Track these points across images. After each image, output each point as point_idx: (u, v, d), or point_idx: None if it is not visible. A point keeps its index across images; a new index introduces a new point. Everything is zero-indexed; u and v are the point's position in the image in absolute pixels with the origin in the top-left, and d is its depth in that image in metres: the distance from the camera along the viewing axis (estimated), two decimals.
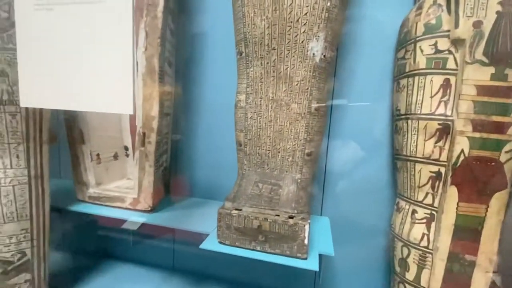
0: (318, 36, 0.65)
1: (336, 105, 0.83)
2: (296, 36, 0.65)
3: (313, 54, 0.66)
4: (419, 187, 0.73)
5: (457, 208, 0.68)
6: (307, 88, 0.69)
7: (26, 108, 0.72)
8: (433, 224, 0.72)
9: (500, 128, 0.64)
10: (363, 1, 0.80)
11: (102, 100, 0.42)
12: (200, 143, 1.00)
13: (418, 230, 0.73)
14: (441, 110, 0.68)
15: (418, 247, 0.73)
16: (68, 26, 0.42)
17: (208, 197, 1.01)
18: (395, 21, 0.79)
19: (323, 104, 0.71)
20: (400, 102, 0.76)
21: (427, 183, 0.72)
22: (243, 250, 0.66)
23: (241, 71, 0.74)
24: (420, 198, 0.73)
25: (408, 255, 0.75)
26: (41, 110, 0.75)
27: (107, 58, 0.41)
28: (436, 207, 0.71)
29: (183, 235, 0.87)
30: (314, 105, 0.70)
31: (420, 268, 0.72)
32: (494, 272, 0.67)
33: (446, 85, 0.68)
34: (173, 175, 1.02)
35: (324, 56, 0.67)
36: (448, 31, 0.66)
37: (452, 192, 0.68)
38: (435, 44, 0.68)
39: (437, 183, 0.71)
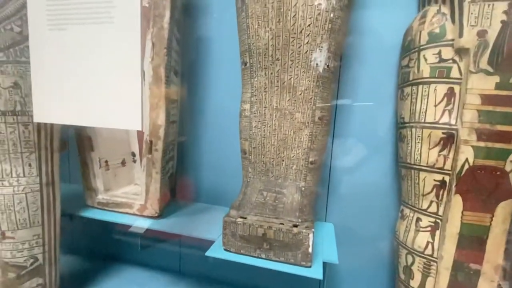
0: (322, 47, 0.66)
1: (340, 112, 0.83)
2: (299, 47, 0.66)
3: (317, 64, 0.67)
4: (423, 195, 0.73)
5: (461, 217, 0.68)
6: (311, 98, 0.70)
7: None
8: (437, 232, 0.72)
9: (505, 137, 0.64)
10: (367, 9, 0.81)
11: (112, 117, 0.44)
12: (205, 149, 1.02)
13: (422, 238, 0.73)
14: (445, 119, 0.68)
15: (423, 255, 0.73)
16: (80, 45, 0.44)
17: (213, 202, 1.03)
18: (399, 29, 0.79)
19: (327, 113, 0.72)
20: (404, 110, 0.76)
21: (431, 191, 0.72)
22: (248, 258, 0.67)
23: (245, 80, 0.75)
24: (424, 206, 0.73)
25: (413, 263, 0.75)
26: None
27: (116, 76, 0.42)
28: (440, 216, 0.71)
29: (189, 239, 0.88)
30: (318, 114, 0.70)
31: (425, 276, 0.73)
32: (502, 281, 0.67)
33: (450, 94, 0.68)
34: (179, 180, 1.04)
35: (328, 66, 0.68)
36: (452, 40, 0.66)
37: (457, 201, 0.68)
38: (439, 53, 0.68)
39: (441, 191, 0.71)
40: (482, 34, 0.63)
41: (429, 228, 0.73)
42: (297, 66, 0.68)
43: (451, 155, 0.69)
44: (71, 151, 0.97)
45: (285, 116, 0.72)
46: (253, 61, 0.71)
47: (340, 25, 0.66)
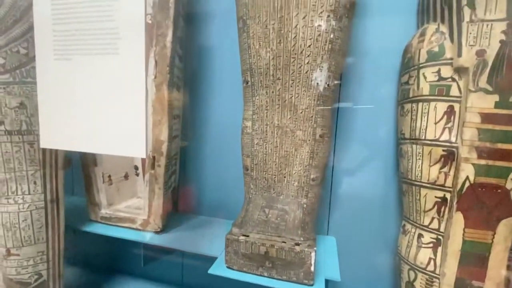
0: (322, 67, 0.67)
1: (340, 128, 0.84)
2: (300, 67, 0.67)
3: (317, 83, 0.68)
4: (424, 211, 0.73)
5: (463, 234, 0.68)
6: (312, 116, 0.70)
7: None
8: (439, 249, 0.72)
9: (505, 155, 0.64)
10: (366, 25, 0.82)
11: (117, 144, 0.45)
12: (207, 163, 1.03)
13: (424, 255, 0.73)
14: (445, 136, 0.69)
15: (425, 271, 0.73)
16: (85, 74, 0.45)
17: (215, 215, 1.03)
18: (399, 45, 0.80)
19: (327, 131, 0.73)
20: (405, 126, 0.76)
21: (432, 208, 0.72)
22: (250, 276, 0.68)
23: (247, 98, 0.76)
24: (426, 223, 0.74)
25: (415, 279, 0.75)
26: None
27: (121, 105, 0.43)
28: (442, 232, 0.71)
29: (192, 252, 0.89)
30: (319, 132, 0.71)
31: None
32: None
33: (450, 112, 0.68)
34: (181, 193, 1.05)
35: (328, 85, 0.69)
36: (451, 59, 0.67)
37: (458, 218, 0.68)
38: (438, 72, 0.69)
39: (442, 208, 0.71)
40: (481, 53, 0.64)
41: (431, 245, 0.73)
42: (298, 85, 0.69)
43: (452, 173, 0.69)
44: (75, 165, 0.98)
45: (286, 133, 0.73)
46: (254, 80, 0.72)
47: (340, 45, 0.67)
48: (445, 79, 0.68)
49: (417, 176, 0.74)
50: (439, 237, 0.72)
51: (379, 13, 0.82)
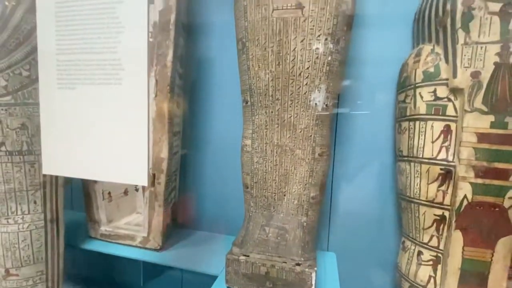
0: (320, 88, 0.68)
1: (339, 146, 0.85)
2: (298, 88, 0.68)
3: (316, 104, 0.69)
4: (424, 229, 0.74)
5: (462, 252, 0.69)
6: (310, 135, 0.71)
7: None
8: (439, 266, 0.72)
9: (502, 174, 0.65)
10: (363, 44, 0.83)
11: (119, 172, 0.45)
12: (207, 178, 1.03)
13: (424, 272, 0.74)
14: (442, 155, 0.70)
15: None
16: (88, 103, 0.45)
17: (215, 231, 1.03)
18: (394, 63, 0.81)
19: (326, 149, 0.73)
20: (402, 144, 0.77)
21: (431, 225, 0.73)
22: None
23: (246, 117, 0.77)
24: (425, 240, 0.74)
25: None
26: None
27: (124, 134, 0.44)
28: (441, 250, 0.72)
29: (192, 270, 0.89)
30: (318, 150, 0.72)
31: None
32: None
33: (446, 131, 0.69)
34: (181, 208, 1.05)
35: (326, 105, 0.70)
36: (447, 79, 0.68)
37: (457, 237, 0.69)
38: (434, 91, 0.70)
39: (441, 226, 0.71)
40: (475, 75, 0.65)
41: (430, 262, 0.73)
42: (296, 106, 0.70)
43: (449, 191, 0.70)
44: (74, 179, 0.98)
45: (285, 152, 0.74)
46: (254, 100, 0.73)
47: (337, 67, 0.68)
48: (441, 99, 0.69)
49: (415, 194, 0.74)
50: (439, 255, 0.72)
51: (376, 25, 0.83)
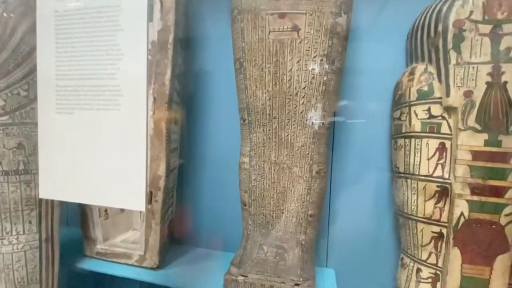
0: (316, 107, 0.69)
1: (336, 162, 0.86)
2: (295, 107, 0.69)
3: (312, 122, 0.70)
4: (422, 246, 0.74)
5: (461, 270, 0.69)
6: (308, 153, 0.72)
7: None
8: (438, 284, 0.72)
9: (498, 192, 0.66)
10: (358, 61, 0.85)
11: (116, 197, 0.45)
12: (204, 194, 1.03)
13: None
14: (438, 172, 0.70)
15: None
16: (87, 128, 0.46)
17: (212, 247, 1.02)
18: (389, 81, 0.83)
19: (323, 167, 0.74)
20: (399, 160, 0.78)
21: (429, 242, 0.73)
22: None
23: (244, 135, 0.78)
24: (424, 257, 0.74)
25: None
26: None
27: (122, 159, 0.44)
28: (440, 267, 0.71)
29: None
30: (315, 168, 0.72)
31: None
32: None
33: (442, 148, 0.70)
34: (178, 224, 1.04)
35: (323, 123, 0.70)
36: (440, 98, 0.69)
37: (455, 254, 0.69)
38: (429, 110, 0.71)
39: (439, 243, 0.71)
40: (468, 94, 0.66)
41: (430, 280, 0.73)
42: (293, 124, 0.71)
43: (446, 208, 0.70)
44: None
45: (283, 169, 0.74)
46: (251, 119, 0.74)
47: (333, 86, 0.69)
48: (435, 117, 0.71)
49: (413, 211, 0.75)
50: (438, 272, 0.72)
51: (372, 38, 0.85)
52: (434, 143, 0.71)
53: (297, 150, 0.72)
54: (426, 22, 0.73)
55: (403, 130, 0.76)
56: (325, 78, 0.67)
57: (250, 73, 0.71)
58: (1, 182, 0.72)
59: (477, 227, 0.67)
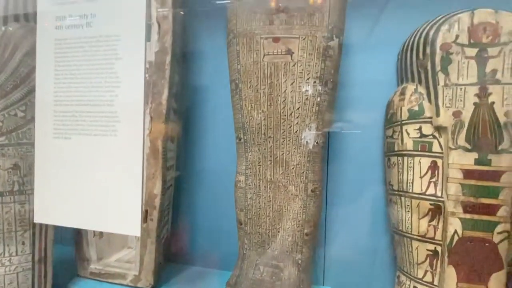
0: (311, 127, 0.70)
1: (331, 180, 0.87)
2: (290, 127, 0.71)
3: (307, 142, 0.71)
4: (417, 264, 0.74)
5: None
6: (303, 172, 0.73)
7: (34, 196, 0.75)
8: None
9: (490, 210, 0.67)
10: (351, 81, 0.87)
11: (111, 222, 0.45)
12: (200, 212, 1.03)
13: None
14: (431, 190, 0.71)
15: None
16: (83, 153, 0.46)
17: (208, 266, 1.01)
18: (381, 99, 0.85)
19: (318, 185, 0.75)
20: (392, 178, 0.79)
21: (425, 260, 0.73)
22: None
23: (240, 154, 0.79)
24: (420, 275, 0.74)
25: None
26: None
27: (118, 184, 0.44)
28: (436, 286, 0.71)
29: None
30: (310, 187, 0.73)
31: None
32: None
33: (433, 167, 0.71)
34: (173, 242, 1.03)
35: (317, 142, 0.72)
36: (431, 117, 0.71)
37: (450, 272, 0.69)
38: (420, 129, 0.73)
39: (435, 261, 0.72)
40: (457, 114, 0.68)
41: None
42: (288, 143, 0.72)
43: (440, 226, 0.71)
44: None
45: (279, 188, 0.75)
46: (247, 138, 0.75)
47: (326, 107, 0.71)
48: (426, 136, 0.72)
49: (407, 228, 0.75)
50: None
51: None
52: (426, 162, 0.72)
53: (292, 168, 0.73)
54: (415, 45, 0.75)
55: (396, 148, 0.78)
56: (318, 99, 0.69)
57: (246, 94, 0.72)
58: None
59: (471, 245, 0.68)
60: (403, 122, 0.76)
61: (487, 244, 0.67)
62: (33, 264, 0.77)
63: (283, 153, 0.73)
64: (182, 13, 0.88)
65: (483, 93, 0.67)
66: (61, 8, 0.45)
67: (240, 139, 0.77)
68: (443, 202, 0.70)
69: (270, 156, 0.74)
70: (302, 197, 0.73)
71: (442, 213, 0.70)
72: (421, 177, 0.73)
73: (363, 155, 0.88)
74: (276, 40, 0.67)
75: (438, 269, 0.71)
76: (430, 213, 0.71)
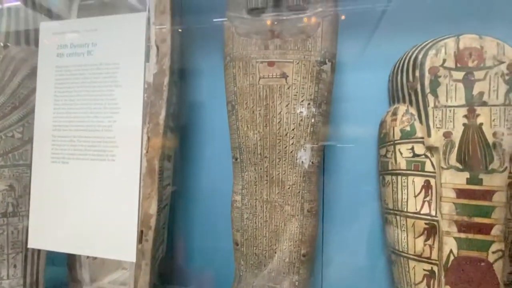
0: (306, 147, 0.71)
1: (327, 199, 0.87)
2: (285, 147, 0.72)
3: (302, 162, 0.72)
4: (415, 284, 0.74)
5: None
6: (299, 192, 0.73)
7: (28, 217, 0.74)
8: None
9: (483, 229, 0.67)
10: (344, 101, 0.90)
11: (107, 247, 0.45)
12: (196, 232, 1.02)
13: None
14: (425, 209, 0.72)
15: None
16: (80, 178, 0.47)
17: None
18: (374, 119, 0.87)
19: (315, 205, 0.75)
20: (387, 197, 0.80)
21: (422, 280, 0.73)
22: None
23: (236, 173, 0.79)
24: None
25: None
26: None
27: (114, 209, 0.45)
28: None
29: None
30: (306, 206, 0.74)
31: None
32: None
33: (427, 186, 0.73)
34: (169, 264, 1.01)
35: (312, 162, 0.73)
36: (422, 138, 0.73)
37: None
38: (412, 149, 0.74)
39: (432, 281, 0.71)
40: (447, 135, 0.70)
41: None
42: (284, 163, 0.73)
43: (436, 245, 0.71)
44: None
45: (275, 208, 0.75)
46: (243, 157, 0.76)
47: (321, 127, 0.73)
48: (419, 155, 0.74)
49: (404, 248, 0.75)
50: None
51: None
52: (419, 181, 0.73)
53: (288, 188, 0.74)
54: (405, 68, 0.78)
55: (390, 167, 0.79)
56: (312, 120, 0.71)
57: (242, 115, 0.74)
58: None
59: (467, 265, 0.68)
60: (396, 142, 0.77)
61: (482, 264, 0.67)
62: (25, 287, 0.75)
63: (279, 173, 0.74)
64: (180, 32, 0.91)
65: (471, 115, 0.69)
66: (63, 36, 0.47)
67: (236, 159, 0.78)
68: (437, 221, 0.70)
69: (266, 176, 0.75)
70: (298, 217, 0.74)
71: (437, 232, 0.70)
72: (415, 196, 0.73)
73: (359, 171, 0.89)
74: (271, 64, 0.69)
75: None
76: (426, 232, 0.72)
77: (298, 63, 0.68)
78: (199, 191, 1.02)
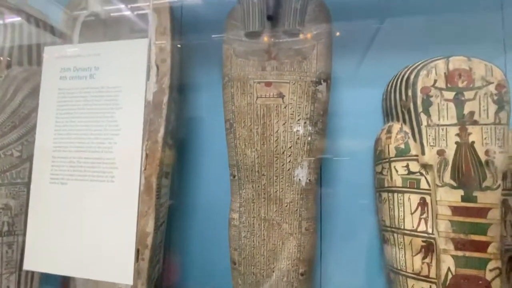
0: (303, 165, 0.72)
1: (325, 217, 0.87)
2: (282, 165, 0.73)
3: (299, 179, 0.73)
4: None
5: None
6: (296, 210, 0.74)
7: (23, 236, 0.73)
8: None
9: (480, 247, 0.68)
10: (339, 118, 0.92)
11: (104, 270, 0.45)
12: (193, 250, 1.00)
13: None
14: (422, 227, 0.73)
15: None
16: (79, 199, 0.47)
17: None
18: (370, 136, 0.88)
19: (312, 223, 0.75)
20: (384, 214, 0.80)
21: None
22: None
23: (234, 191, 0.80)
24: None
25: None
26: None
27: (112, 231, 0.45)
28: None
29: None
30: (304, 224, 0.74)
31: None
32: None
33: (423, 203, 0.73)
34: (165, 283, 0.99)
35: (309, 180, 0.74)
36: (417, 156, 0.75)
37: None
38: (407, 166, 0.76)
39: None
40: (441, 153, 0.72)
41: None
42: (281, 181, 0.74)
43: (434, 263, 0.71)
44: None
45: (273, 226, 0.75)
46: (241, 175, 0.77)
47: (317, 145, 0.74)
48: (414, 173, 0.75)
49: (402, 266, 0.75)
50: None
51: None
52: (415, 198, 0.74)
53: (286, 206, 0.74)
54: (398, 87, 0.81)
55: (386, 185, 0.80)
56: (309, 139, 0.72)
57: (240, 133, 0.75)
58: None
59: (465, 283, 0.68)
60: (391, 159, 0.79)
61: (480, 282, 0.67)
62: None
63: (277, 191, 0.74)
64: (180, 48, 0.93)
65: (463, 133, 0.71)
66: (67, 60, 0.49)
67: (234, 176, 0.79)
68: (434, 239, 0.70)
69: (264, 194, 0.75)
70: (296, 235, 0.73)
71: (435, 250, 0.70)
72: (411, 214, 0.74)
73: (355, 185, 0.90)
74: (268, 84, 0.71)
75: None
76: (423, 250, 0.72)
77: (294, 83, 0.71)
78: (196, 208, 1.02)
